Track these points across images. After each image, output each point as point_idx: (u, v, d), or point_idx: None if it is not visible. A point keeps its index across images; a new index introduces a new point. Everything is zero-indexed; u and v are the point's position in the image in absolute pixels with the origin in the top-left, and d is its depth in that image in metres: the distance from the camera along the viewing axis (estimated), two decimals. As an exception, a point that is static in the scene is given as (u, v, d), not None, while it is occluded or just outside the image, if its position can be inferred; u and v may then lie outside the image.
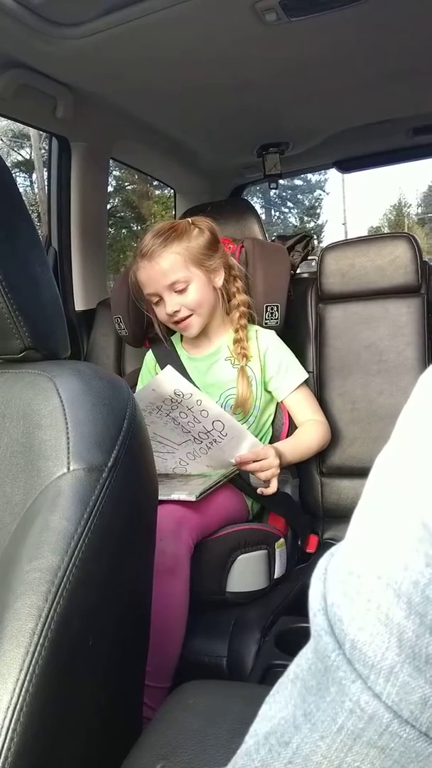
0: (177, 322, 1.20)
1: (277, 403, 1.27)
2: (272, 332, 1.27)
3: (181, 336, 1.31)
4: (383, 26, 1.23)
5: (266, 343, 1.24)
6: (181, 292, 1.16)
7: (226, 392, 1.21)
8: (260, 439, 1.24)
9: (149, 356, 1.34)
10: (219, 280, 1.21)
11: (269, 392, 1.24)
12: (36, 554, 0.45)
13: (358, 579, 0.24)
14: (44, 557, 0.45)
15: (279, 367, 1.22)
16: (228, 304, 1.25)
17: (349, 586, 0.24)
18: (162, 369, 1.27)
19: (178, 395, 0.99)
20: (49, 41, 1.16)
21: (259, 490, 1.10)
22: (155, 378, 1.02)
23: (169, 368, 1.02)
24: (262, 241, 1.43)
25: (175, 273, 1.14)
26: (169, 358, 1.28)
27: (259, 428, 1.24)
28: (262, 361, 1.22)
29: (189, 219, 1.21)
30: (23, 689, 0.40)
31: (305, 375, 1.24)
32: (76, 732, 0.46)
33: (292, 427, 1.26)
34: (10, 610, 0.43)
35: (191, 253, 1.15)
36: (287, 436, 1.25)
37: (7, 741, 0.38)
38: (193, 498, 0.99)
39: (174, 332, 1.33)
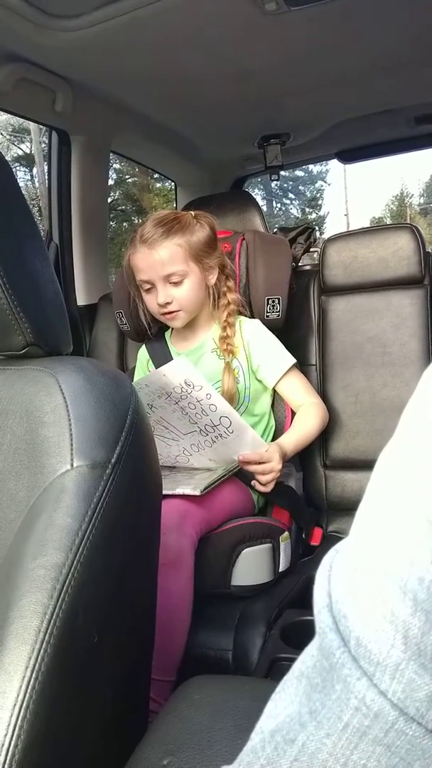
0: (164, 314, 1.20)
1: (277, 395, 1.27)
2: (257, 321, 1.27)
3: (171, 331, 1.32)
4: (383, 15, 1.22)
5: (250, 333, 1.23)
6: (176, 284, 1.16)
7: (214, 385, 1.21)
8: (265, 433, 1.25)
9: (142, 351, 1.35)
10: (212, 278, 1.21)
11: (260, 381, 1.24)
12: (40, 551, 0.45)
13: (363, 575, 0.24)
14: (49, 554, 0.45)
15: (264, 356, 1.22)
16: (217, 301, 1.25)
17: (353, 583, 0.24)
18: (154, 364, 1.28)
19: (189, 385, 0.99)
20: (47, 34, 1.15)
21: (256, 485, 1.11)
22: (168, 365, 1.02)
23: (182, 358, 1.02)
24: (263, 234, 1.42)
25: (174, 265, 1.14)
26: (160, 353, 1.29)
27: (257, 419, 1.24)
28: (246, 351, 1.22)
29: (192, 212, 1.21)
30: (29, 686, 0.40)
31: (292, 360, 1.23)
32: (83, 728, 0.46)
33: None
34: (16, 608, 0.43)
35: (192, 247, 1.15)
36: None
37: (14, 738, 0.39)
38: (197, 492, 0.99)
39: (167, 328, 1.33)
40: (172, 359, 1.26)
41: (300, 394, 1.23)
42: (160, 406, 1.04)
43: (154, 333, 1.33)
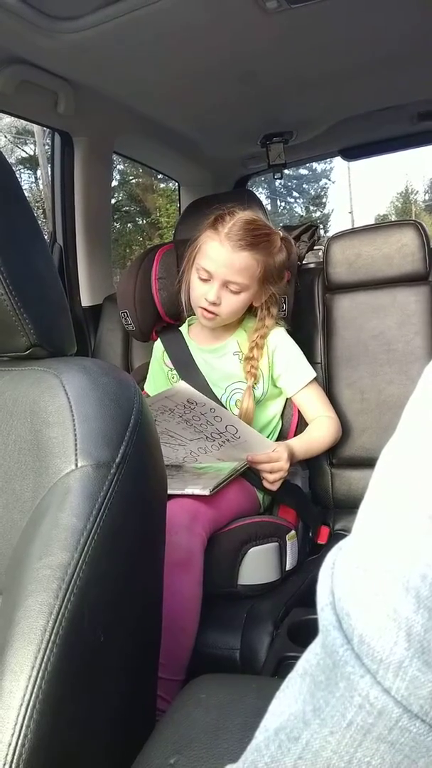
0: (205, 309, 1.17)
1: (288, 400, 1.27)
2: (282, 330, 1.25)
3: (188, 327, 1.31)
4: (385, 11, 1.21)
5: (275, 341, 1.23)
6: (232, 292, 1.15)
7: (233, 385, 1.21)
8: (270, 435, 1.24)
9: (158, 345, 1.34)
10: (260, 299, 1.20)
11: (279, 388, 1.24)
12: (46, 551, 0.45)
13: (365, 573, 0.24)
14: (54, 554, 0.45)
15: (287, 366, 1.22)
16: (256, 315, 1.24)
17: (356, 581, 0.24)
18: (170, 357, 1.27)
19: (191, 403, 1.00)
20: (48, 36, 1.16)
21: (264, 483, 1.11)
22: (168, 389, 1.02)
23: (182, 383, 1.02)
24: (268, 233, 1.42)
25: (242, 276, 1.13)
26: (176, 346, 1.28)
27: (267, 421, 1.24)
28: (270, 359, 1.22)
29: (281, 234, 1.20)
30: (36, 686, 0.40)
31: (313, 374, 1.23)
32: (89, 727, 0.46)
33: (301, 421, 1.26)
34: (21, 608, 0.43)
35: (266, 269, 1.15)
36: (296, 431, 1.25)
37: (21, 738, 0.39)
38: (207, 492, 0.99)
39: (182, 323, 1.33)
40: (189, 352, 1.26)
41: (317, 407, 1.23)
42: (164, 420, 1.04)
43: (187, 315, 1.31)
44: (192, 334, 1.30)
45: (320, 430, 1.21)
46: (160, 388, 1.29)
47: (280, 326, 1.26)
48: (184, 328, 1.33)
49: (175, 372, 1.26)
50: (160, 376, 1.32)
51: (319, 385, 1.26)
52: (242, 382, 1.20)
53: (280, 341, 1.23)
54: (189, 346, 1.28)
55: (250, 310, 1.24)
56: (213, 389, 1.21)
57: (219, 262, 1.12)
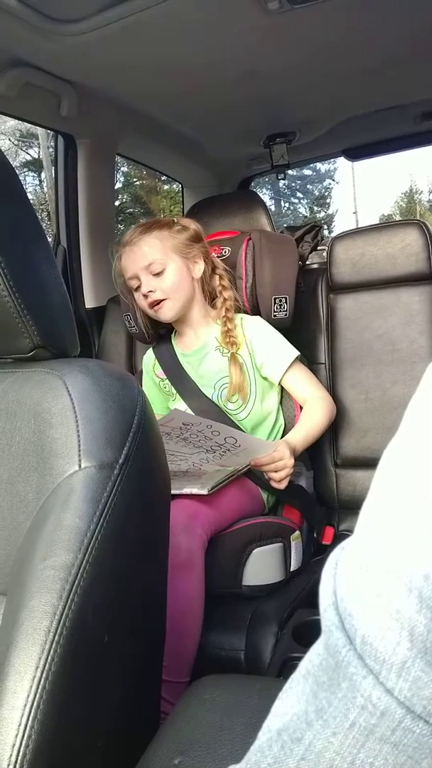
0: (152, 305, 1.22)
1: (285, 393, 1.27)
2: (257, 318, 1.28)
3: (175, 333, 1.33)
4: (386, 10, 1.21)
5: (252, 329, 1.24)
6: (158, 275, 1.19)
7: (220, 381, 1.21)
8: (273, 431, 1.24)
9: (149, 356, 1.35)
10: (198, 270, 1.23)
11: (266, 378, 1.24)
12: (50, 552, 0.45)
13: (367, 573, 0.24)
14: (58, 555, 0.45)
15: (268, 351, 1.23)
16: (213, 300, 1.28)
17: (359, 581, 0.24)
18: (161, 366, 1.28)
19: (187, 425, 1.00)
20: (51, 38, 1.16)
21: (271, 483, 1.11)
22: (163, 417, 1.03)
23: (174, 410, 1.04)
24: (269, 233, 1.42)
25: (153, 255, 1.18)
26: (166, 355, 1.30)
27: (264, 417, 1.24)
28: (249, 347, 1.23)
29: (174, 218, 1.27)
30: (40, 687, 0.40)
31: (295, 353, 1.23)
32: (93, 728, 0.46)
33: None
34: (26, 609, 0.43)
35: (171, 241, 1.20)
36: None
37: (25, 738, 0.39)
38: (204, 491, 0.99)
39: (172, 331, 1.33)
40: (177, 360, 1.27)
41: (306, 387, 1.23)
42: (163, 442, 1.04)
43: (152, 337, 1.36)
44: (177, 342, 1.32)
45: (314, 416, 1.20)
46: (154, 399, 1.30)
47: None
48: (173, 336, 1.34)
49: (167, 382, 1.27)
50: (152, 388, 1.33)
51: (303, 364, 1.26)
52: (228, 376, 1.21)
53: (256, 328, 1.25)
54: (176, 353, 1.29)
55: (211, 296, 1.28)
56: (204, 390, 1.21)
57: (130, 260, 1.21)
